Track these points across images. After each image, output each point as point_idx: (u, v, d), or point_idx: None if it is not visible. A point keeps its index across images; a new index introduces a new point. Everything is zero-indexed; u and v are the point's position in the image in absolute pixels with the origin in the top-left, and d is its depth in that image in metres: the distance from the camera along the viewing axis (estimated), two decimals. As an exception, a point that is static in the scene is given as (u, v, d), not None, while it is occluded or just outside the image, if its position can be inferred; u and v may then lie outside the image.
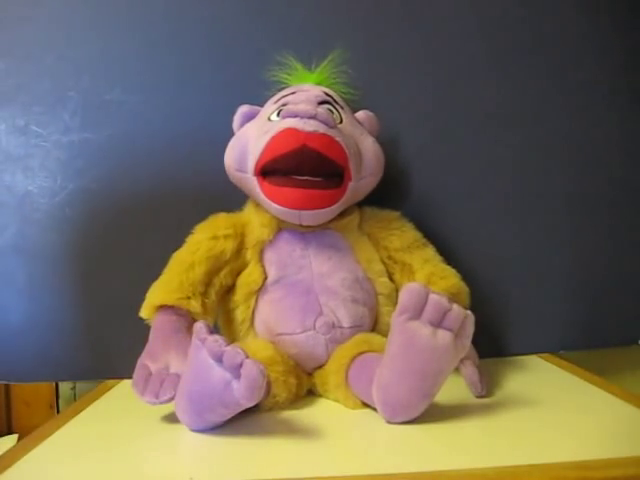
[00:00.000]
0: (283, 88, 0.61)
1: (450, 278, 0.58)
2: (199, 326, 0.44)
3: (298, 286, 0.55)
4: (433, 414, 0.46)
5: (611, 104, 0.71)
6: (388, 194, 0.64)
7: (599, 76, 0.71)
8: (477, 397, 0.52)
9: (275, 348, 0.52)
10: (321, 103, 0.56)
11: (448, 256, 0.61)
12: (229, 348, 0.41)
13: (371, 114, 0.62)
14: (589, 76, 0.71)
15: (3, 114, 0.69)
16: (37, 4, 0.69)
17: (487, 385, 0.53)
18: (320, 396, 0.55)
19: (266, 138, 0.53)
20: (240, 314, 0.56)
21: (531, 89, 0.71)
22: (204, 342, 0.42)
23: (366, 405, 0.49)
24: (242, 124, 0.60)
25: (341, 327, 0.54)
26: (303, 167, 0.52)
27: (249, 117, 0.60)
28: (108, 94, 0.69)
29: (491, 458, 0.38)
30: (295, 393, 0.52)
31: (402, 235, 0.60)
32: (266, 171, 0.54)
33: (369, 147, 0.58)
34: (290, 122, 0.51)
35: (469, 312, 0.44)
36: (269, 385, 0.48)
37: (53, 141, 0.69)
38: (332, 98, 0.59)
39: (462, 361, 0.51)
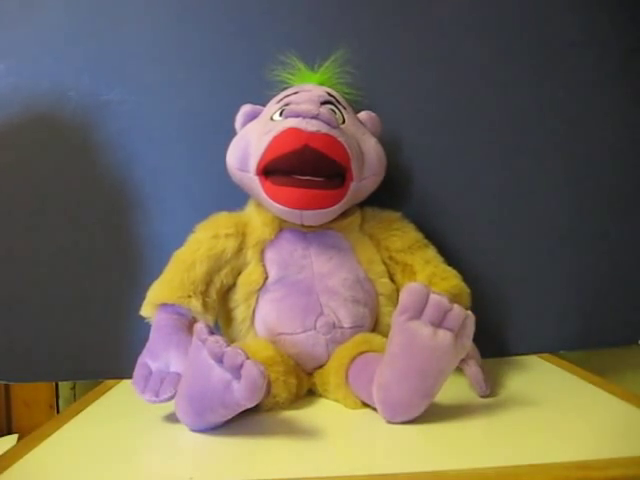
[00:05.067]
0: (286, 88, 0.61)
1: (451, 279, 0.58)
2: (200, 327, 0.44)
3: (299, 286, 0.55)
4: (433, 414, 0.46)
5: (611, 104, 0.72)
6: (389, 195, 0.64)
7: (599, 76, 0.71)
8: (481, 397, 0.52)
9: (275, 348, 0.52)
10: (324, 103, 0.56)
11: (449, 256, 0.61)
12: (229, 349, 0.41)
13: (373, 115, 0.62)
14: (589, 76, 0.71)
15: (3, 114, 0.69)
16: (37, 5, 0.69)
17: (491, 384, 0.53)
18: (320, 396, 0.55)
19: (268, 138, 0.53)
20: (241, 313, 0.56)
21: (531, 89, 0.71)
22: (205, 342, 0.42)
23: (366, 405, 0.49)
24: (244, 123, 0.60)
25: (342, 327, 0.54)
26: (305, 167, 0.52)
27: (251, 116, 0.60)
28: (108, 94, 0.69)
29: (491, 458, 0.38)
30: (295, 393, 0.52)
31: (403, 236, 0.60)
32: (268, 170, 0.54)
33: (371, 147, 0.58)
34: (292, 122, 0.51)
35: (470, 312, 0.44)
36: (269, 385, 0.48)
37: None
38: (335, 98, 0.59)
39: (466, 361, 0.51)
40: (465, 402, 0.51)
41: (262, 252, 0.57)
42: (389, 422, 0.45)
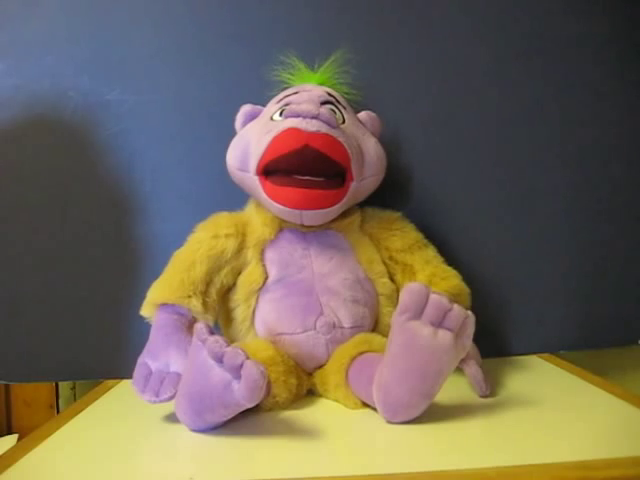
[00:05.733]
0: (286, 88, 0.62)
1: (451, 279, 0.58)
2: (200, 327, 0.44)
3: (299, 286, 0.55)
4: (433, 414, 0.46)
5: (611, 104, 0.72)
6: (389, 195, 0.64)
7: (599, 76, 0.71)
8: (481, 397, 0.52)
9: (275, 348, 0.52)
10: (324, 103, 0.56)
11: (448, 256, 0.61)
12: (229, 349, 0.41)
13: (373, 115, 0.62)
14: (589, 76, 0.71)
15: (3, 114, 0.69)
16: (37, 5, 0.69)
17: (491, 385, 0.53)
18: (320, 396, 0.55)
19: (268, 138, 0.53)
20: (241, 313, 0.56)
21: (531, 89, 0.71)
22: (205, 342, 0.42)
23: (366, 405, 0.49)
24: (244, 123, 0.60)
25: (342, 327, 0.54)
26: (305, 167, 0.52)
27: (251, 116, 0.60)
28: (108, 94, 0.69)
29: (491, 458, 0.38)
30: (295, 393, 0.52)
31: (403, 236, 0.60)
32: (268, 171, 0.54)
33: (371, 147, 0.58)
34: (292, 122, 0.51)
35: (470, 312, 0.44)
36: (269, 385, 0.48)
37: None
38: (335, 98, 0.59)
39: (466, 361, 0.51)
40: (465, 402, 0.51)
41: (262, 252, 0.57)
42: (389, 422, 0.45)
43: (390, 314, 0.51)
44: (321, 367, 0.55)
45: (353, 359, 0.51)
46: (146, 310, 0.55)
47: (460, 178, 0.71)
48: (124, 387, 0.62)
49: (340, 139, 0.52)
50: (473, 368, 0.51)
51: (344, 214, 0.58)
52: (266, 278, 0.56)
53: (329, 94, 0.59)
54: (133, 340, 0.53)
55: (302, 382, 0.53)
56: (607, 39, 0.71)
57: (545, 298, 0.71)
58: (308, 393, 0.55)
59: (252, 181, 0.56)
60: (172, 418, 0.48)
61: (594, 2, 0.72)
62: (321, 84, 0.62)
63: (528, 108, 0.71)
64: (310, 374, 0.55)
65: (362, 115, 0.61)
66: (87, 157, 0.69)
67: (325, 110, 0.52)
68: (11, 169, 0.69)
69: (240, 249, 0.57)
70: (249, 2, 0.70)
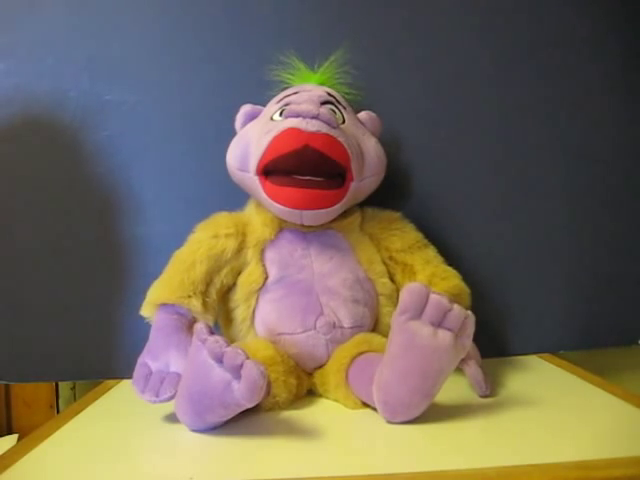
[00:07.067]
0: (286, 88, 0.61)
1: (451, 279, 0.58)
2: (200, 327, 0.44)
3: (299, 286, 0.55)
4: (433, 414, 0.46)
5: (611, 104, 0.72)
6: (389, 195, 0.64)
7: (599, 76, 0.71)
8: (481, 397, 0.52)
9: (275, 348, 0.52)
10: (324, 103, 0.56)
11: (449, 256, 0.61)
12: (229, 349, 0.41)
13: (373, 115, 0.62)
14: (589, 76, 0.71)
15: (3, 114, 0.69)
16: (37, 5, 0.69)
17: (491, 385, 0.53)
18: (320, 396, 0.55)
19: (268, 138, 0.53)
20: (241, 313, 0.56)
21: (531, 89, 0.71)
22: (204, 342, 0.42)
23: (366, 405, 0.49)
24: (244, 123, 0.60)
25: (342, 327, 0.54)
26: (305, 167, 0.52)
27: (252, 116, 0.60)
28: (108, 94, 0.69)
29: (491, 458, 0.38)
30: (295, 393, 0.52)
31: (403, 236, 0.60)
32: (268, 170, 0.54)
33: (371, 147, 0.58)
34: (293, 122, 0.51)
35: (470, 312, 0.44)
36: (269, 385, 0.48)
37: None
38: (335, 98, 0.59)
39: (466, 361, 0.51)
40: (465, 402, 0.51)
41: (262, 252, 0.57)
42: (389, 422, 0.45)
43: (390, 314, 0.51)
44: (321, 367, 0.55)
45: (353, 359, 0.51)
46: (146, 310, 0.55)
47: (460, 178, 0.71)
48: (124, 387, 0.62)
49: (340, 139, 0.52)
50: (473, 368, 0.51)
51: (344, 214, 0.58)
52: (266, 278, 0.56)
53: (329, 94, 0.59)
54: (133, 340, 0.53)
55: (302, 382, 0.53)
56: (607, 39, 0.71)
57: (545, 298, 0.71)
58: (308, 393, 0.55)
59: (252, 181, 0.56)
60: (172, 418, 0.48)
61: (594, 2, 0.72)
62: (321, 84, 0.62)
63: (528, 108, 0.71)
64: (310, 374, 0.55)
65: (362, 115, 0.61)
66: (87, 157, 0.69)
67: (325, 110, 0.52)
68: (11, 169, 0.69)
69: (240, 249, 0.57)
70: (249, 2, 0.70)
